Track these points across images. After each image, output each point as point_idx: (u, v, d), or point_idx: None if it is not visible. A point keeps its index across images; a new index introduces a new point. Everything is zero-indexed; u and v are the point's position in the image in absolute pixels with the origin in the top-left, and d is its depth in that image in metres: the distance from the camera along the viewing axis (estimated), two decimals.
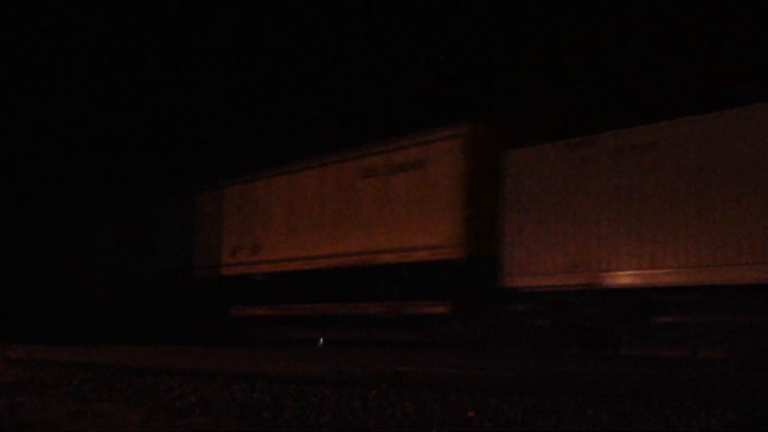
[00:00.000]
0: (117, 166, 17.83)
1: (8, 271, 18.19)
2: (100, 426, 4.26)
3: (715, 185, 10.06)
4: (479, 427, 3.88)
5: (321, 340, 14.76)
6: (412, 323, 13.09)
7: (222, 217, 16.29)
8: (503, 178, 12.15)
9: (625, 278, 10.85)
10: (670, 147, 10.52)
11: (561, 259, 11.42)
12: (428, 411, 4.37)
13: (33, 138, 17.57)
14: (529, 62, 12.91)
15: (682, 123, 10.56)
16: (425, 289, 12.64)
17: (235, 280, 15.83)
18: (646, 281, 10.64)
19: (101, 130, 17.56)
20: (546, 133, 11.93)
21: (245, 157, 17.24)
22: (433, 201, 12.46)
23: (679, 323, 10.31)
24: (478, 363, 8.52)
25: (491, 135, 12.44)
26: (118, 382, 6.38)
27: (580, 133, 11.36)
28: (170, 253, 17.38)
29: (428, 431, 3.79)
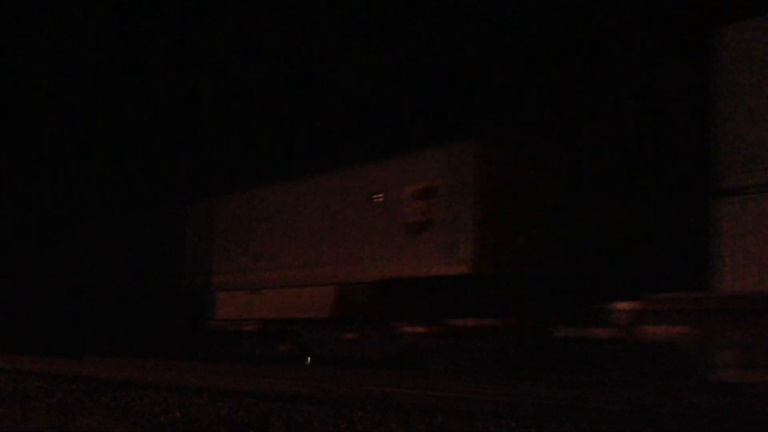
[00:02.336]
0: (107, 172, 17.70)
1: None
2: None
3: None
4: None
5: (309, 358, 14.66)
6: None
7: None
8: None
9: None
10: None
11: None
12: None
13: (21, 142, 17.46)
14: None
15: None
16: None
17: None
18: None
19: (94, 134, 17.44)
20: None
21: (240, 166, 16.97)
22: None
23: None
24: (469, 386, 8.47)
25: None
26: (102, 395, 6.32)
27: None
28: (159, 264, 17.24)
29: None
